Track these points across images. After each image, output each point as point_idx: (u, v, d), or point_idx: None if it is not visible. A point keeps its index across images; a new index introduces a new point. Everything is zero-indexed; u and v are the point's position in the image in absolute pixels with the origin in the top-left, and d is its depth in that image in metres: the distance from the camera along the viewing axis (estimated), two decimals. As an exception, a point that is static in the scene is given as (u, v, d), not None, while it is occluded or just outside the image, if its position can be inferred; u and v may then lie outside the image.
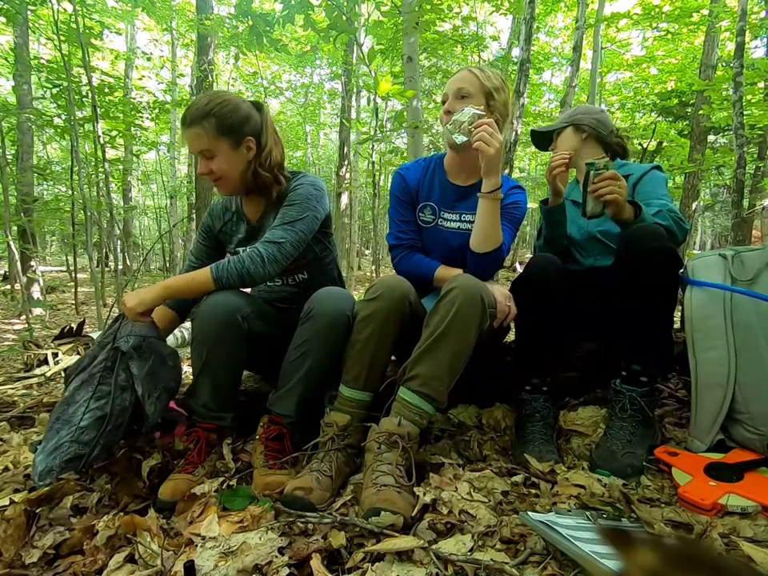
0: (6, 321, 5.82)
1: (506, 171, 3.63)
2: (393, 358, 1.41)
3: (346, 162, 10.33)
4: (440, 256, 1.45)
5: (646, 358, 1.21)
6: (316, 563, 0.80)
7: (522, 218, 1.45)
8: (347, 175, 10.51)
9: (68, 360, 2.53)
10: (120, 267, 8.51)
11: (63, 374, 2.34)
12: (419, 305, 1.31)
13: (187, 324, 4.05)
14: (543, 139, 1.72)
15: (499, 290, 1.30)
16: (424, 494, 0.98)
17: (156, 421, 1.19)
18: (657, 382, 1.25)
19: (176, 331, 3.39)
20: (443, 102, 1.43)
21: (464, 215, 1.45)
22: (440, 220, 1.47)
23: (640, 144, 7.13)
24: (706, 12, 6.41)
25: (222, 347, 1.20)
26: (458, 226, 1.46)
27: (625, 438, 1.16)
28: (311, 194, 1.31)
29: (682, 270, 1.25)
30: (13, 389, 2.04)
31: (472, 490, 1.01)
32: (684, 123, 7.25)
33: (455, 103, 1.38)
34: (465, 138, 1.26)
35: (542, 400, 1.33)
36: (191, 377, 1.32)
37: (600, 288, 1.41)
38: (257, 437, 1.25)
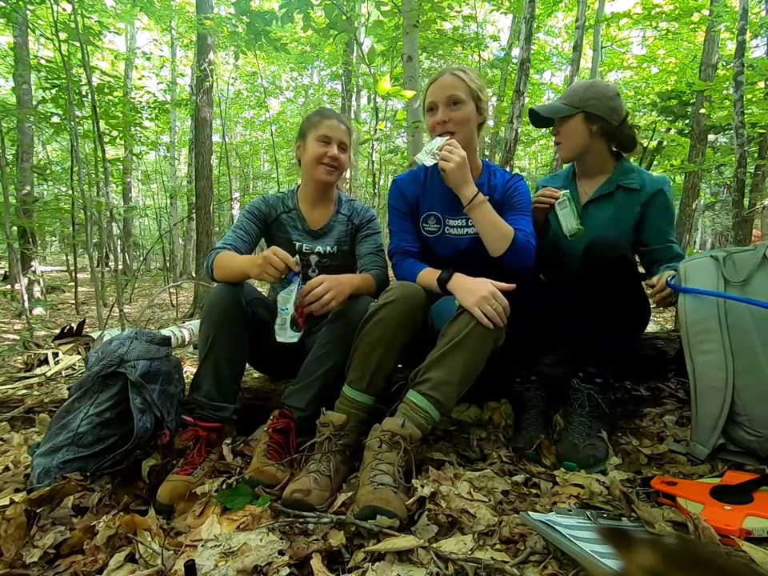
0: (6, 321, 5.82)
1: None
2: (399, 365, 1.42)
3: (345, 162, 10.29)
4: (450, 260, 1.41)
5: (601, 362, 1.32)
6: (316, 563, 0.80)
7: (530, 202, 1.41)
8: (347, 175, 10.50)
9: (68, 360, 2.53)
10: (120, 267, 8.51)
11: (63, 375, 2.34)
12: (429, 314, 1.32)
13: (187, 324, 4.05)
14: (543, 119, 1.52)
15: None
16: (422, 486, 0.98)
17: (177, 430, 1.28)
18: (611, 381, 1.33)
19: (176, 331, 3.39)
20: (430, 110, 1.36)
21: (470, 220, 1.40)
22: (446, 228, 1.44)
23: (640, 143, 7.11)
24: (706, 12, 6.40)
25: (226, 330, 1.25)
26: (466, 231, 1.43)
27: (584, 432, 1.24)
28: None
29: (673, 277, 1.27)
30: (13, 389, 2.04)
31: (472, 490, 1.01)
32: (684, 123, 7.25)
33: (448, 112, 1.32)
34: (433, 161, 1.27)
35: (533, 389, 1.39)
36: (191, 376, 1.33)
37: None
38: (265, 428, 1.27)
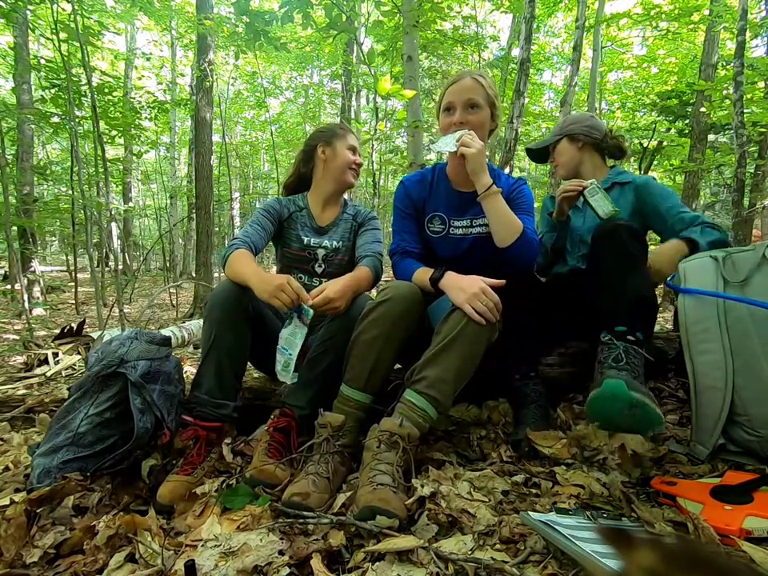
0: (6, 321, 5.82)
1: (506, 171, 3.63)
2: (398, 366, 1.42)
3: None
4: (451, 260, 1.43)
5: (630, 317, 1.17)
6: (316, 563, 0.80)
7: (533, 204, 1.46)
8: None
9: (68, 360, 2.53)
10: (120, 267, 8.51)
11: (63, 375, 2.34)
12: (426, 314, 1.32)
13: (187, 324, 4.03)
14: (540, 154, 1.79)
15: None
16: (422, 486, 0.98)
17: (177, 430, 1.28)
18: (642, 341, 1.16)
19: (176, 331, 3.39)
20: (447, 109, 1.39)
21: (474, 219, 1.45)
22: (451, 228, 1.47)
23: (640, 143, 7.12)
24: (706, 12, 6.40)
25: (229, 327, 1.26)
26: (469, 231, 1.45)
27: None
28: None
29: (673, 277, 1.28)
30: (13, 389, 2.04)
31: (472, 490, 1.01)
32: (684, 123, 7.24)
33: (466, 115, 1.36)
34: (452, 149, 1.31)
35: (531, 385, 1.40)
36: (191, 376, 1.33)
37: (581, 289, 1.46)
38: (265, 427, 1.28)
